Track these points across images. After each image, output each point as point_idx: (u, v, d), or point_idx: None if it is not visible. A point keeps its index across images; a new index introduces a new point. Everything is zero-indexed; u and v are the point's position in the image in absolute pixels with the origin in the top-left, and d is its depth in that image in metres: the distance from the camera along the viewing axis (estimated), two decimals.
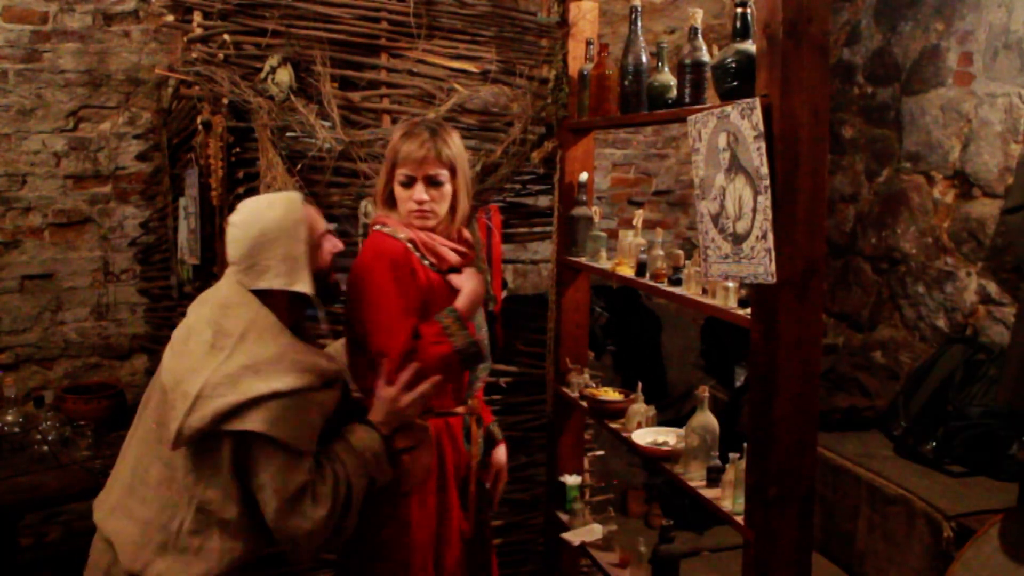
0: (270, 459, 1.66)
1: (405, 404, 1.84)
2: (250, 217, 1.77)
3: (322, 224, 1.88)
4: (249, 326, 1.72)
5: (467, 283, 2.03)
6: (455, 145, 2.02)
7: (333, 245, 1.90)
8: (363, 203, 2.65)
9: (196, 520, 1.68)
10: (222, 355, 1.68)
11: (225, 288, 1.81)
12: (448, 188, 2.01)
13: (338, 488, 1.73)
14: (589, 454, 2.95)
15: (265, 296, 1.77)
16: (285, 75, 2.50)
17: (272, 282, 1.74)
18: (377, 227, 2.04)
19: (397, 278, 1.92)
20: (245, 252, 1.75)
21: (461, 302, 1.99)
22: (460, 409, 2.09)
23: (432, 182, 1.99)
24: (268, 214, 1.76)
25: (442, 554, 2.04)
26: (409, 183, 2.00)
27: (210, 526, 1.69)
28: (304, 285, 1.74)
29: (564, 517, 2.79)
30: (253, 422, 1.64)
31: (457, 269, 2.07)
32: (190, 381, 1.65)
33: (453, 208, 2.03)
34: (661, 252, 2.33)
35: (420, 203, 1.99)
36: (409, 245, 1.98)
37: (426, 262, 2.00)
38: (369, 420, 1.84)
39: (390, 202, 2.05)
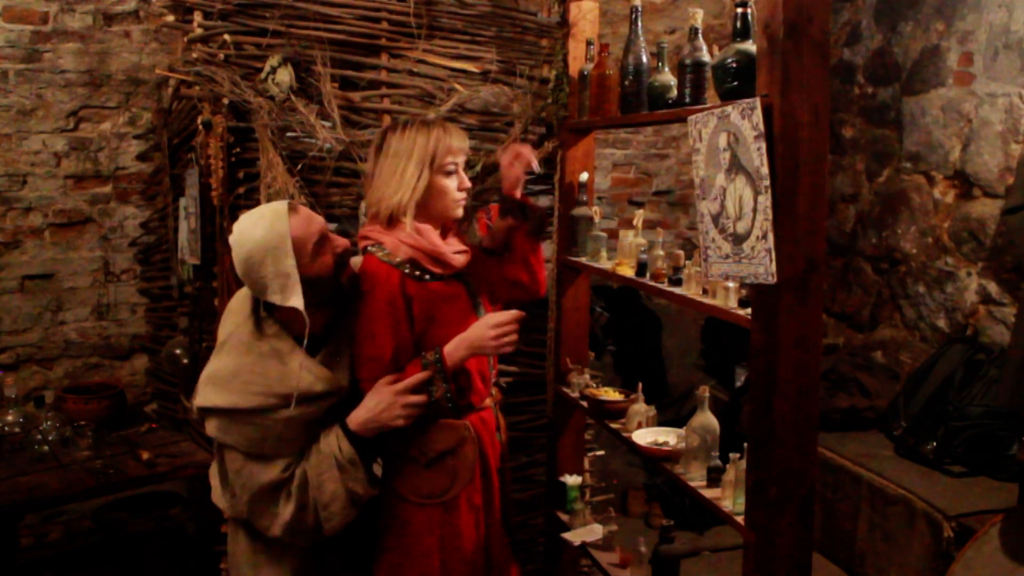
0: (233, 459, 1.83)
1: (389, 415, 1.85)
2: (239, 238, 1.80)
3: (315, 229, 1.82)
4: (228, 337, 1.86)
5: (470, 332, 1.95)
6: None
7: (335, 246, 1.88)
8: (363, 203, 2.65)
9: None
10: (212, 357, 1.88)
11: (242, 290, 1.92)
12: None
13: (304, 488, 1.82)
14: (589, 454, 2.95)
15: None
16: (285, 75, 2.50)
17: (271, 297, 1.79)
18: (371, 247, 1.96)
19: (391, 313, 1.90)
20: (242, 272, 1.82)
21: (450, 347, 1.93)
22: (488, 401, 2.11)
23: (465, 167, 2.06)
24: (254, 234, 1.78)
25: (491, 547, 2.06)
26: (454, 170, 2.00)
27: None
28: (296, 300, 1.76)
29: (564, 517, 2.79)
30: (210, 427, 1.85)
31: (462, 273, 2.05)
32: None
33: None
34: (661, 252, 2.33)
35: (467, 188, 2.03)
36: (406, 270, 1.93)
37: (427, 276, 1.96)
38: (345, 424, 1.86)
39: (420, 207, 1.97)
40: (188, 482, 2.99)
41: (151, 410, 3.57)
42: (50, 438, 2.72)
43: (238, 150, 2.52)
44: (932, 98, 3.89)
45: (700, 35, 2.11)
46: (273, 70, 2.50)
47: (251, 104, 2.46)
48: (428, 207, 2.00)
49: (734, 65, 1.84)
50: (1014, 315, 3.17)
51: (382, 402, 1.84)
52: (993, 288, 3.60)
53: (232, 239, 1.82)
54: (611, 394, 2.60)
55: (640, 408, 2.43)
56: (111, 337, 3.59)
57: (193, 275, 2.84)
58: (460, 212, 2.04)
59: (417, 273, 1.95)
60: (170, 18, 2.57)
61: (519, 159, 2.18)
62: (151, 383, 3.59)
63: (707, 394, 2.13)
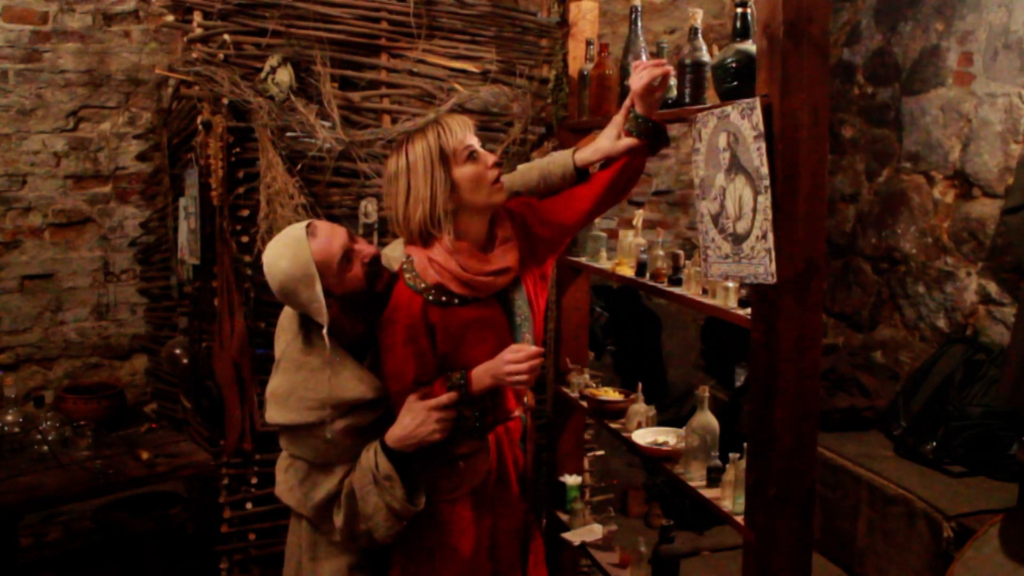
0: (299, 468, 1.92)
1: (425, 430, 1.85)
2: (269, 271, 1.84)
3: (336, 247, 1.82)
4: (282, 356, 1.93)
5: (494, 360, 1.88)
6: None
7: (363, 256, 1.86)
8: (363, 203, 2.66)
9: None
10: (272, 374, 1.95)
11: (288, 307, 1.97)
12: None
13: (352, 499, 1.88)
14: (589, 454, 2.95)
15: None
16: (285, 75, 2.50)
17: (315, 318, 1.84)
18: (405, 266, 1.89)
19: (411, 339, 1.86)
20: (282, 300, 1.88)
21: (478, 372, 1.87)
22: (518, 412, 2.06)
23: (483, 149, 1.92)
24: (280, 266, 1.81)
25: (498, 555, 2.03)
26: (474, 154, 1.85)
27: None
28: (326, 321, 1.81)
29: (564, 517, 2.79)
30: (280, 441, 1.96)
31: (501, 292, 1.94)
32: None
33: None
34: (661, 252, 2.33)
35: (496, 165, 1.87)
36: (430, 296, 1.85)
37: (456, 301, 1.87)
38: (384, 440, 1.87)
39: (461, 209, 1.85)
40: (188, 482, 2.99)
41: (151, 410, 3.57)
42: (50, 438, 2.72)
43: (238, 150, 2.52)
44: (932, 98, 3.89)
45: (700, 35, 2.10)
46: (273, 70, 2.50)
47: (251, 104, 2.47)
48: (468, 204, 1.85)
49: (734, 65, 1.84)
50: (1014, 315, 3.17)
51: (416, 417, 1.85)
52: (993, 288, 3.60)
53: (265, 271, 1.86)
54: (611, 394, 2.60)
55: (640, 408, 2.43)
56: (111, 337, 3.59)
57: (193, 275, 2.84)
58: (502, 195, 1.89)
59: (443, 299, 1.85)
60: (170, 18, 2.58)
61: (662, 79, 1.96)
62: (151, 383, 3.59)
63: (707, 394, 2.13)
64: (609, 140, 2.07)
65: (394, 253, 1.98)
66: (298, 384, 1.87)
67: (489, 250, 1.92)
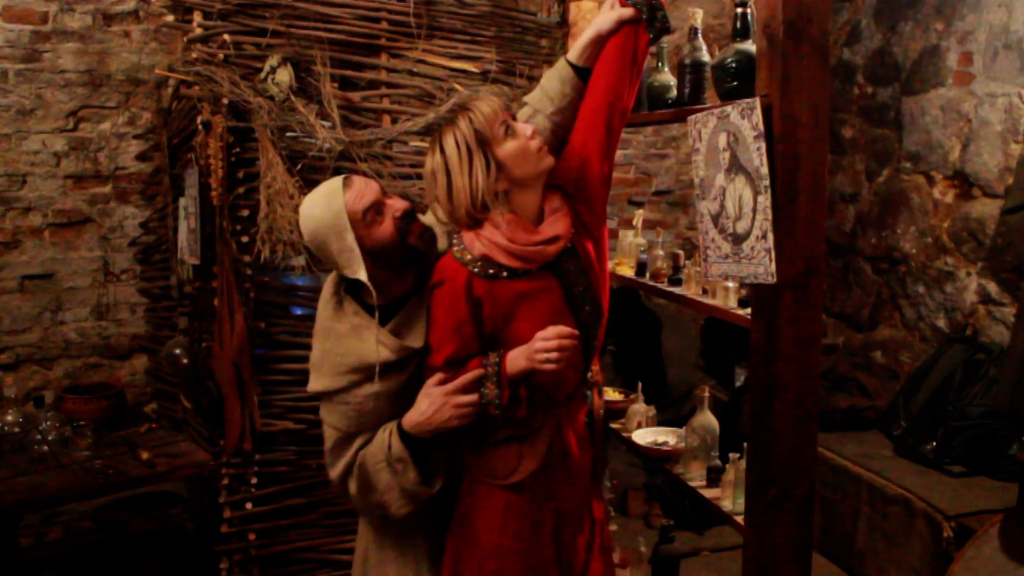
0: (328, 437, 1.90)
1: (441, 417, 1.81)
2: (303, 221, 1.84)
3: (368, 199, 1.80)
4: (317, 327, 1.92)
5: (531, 342, 1.80)
6: None
7: (395, 210, 1.83)
8: None
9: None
10: None
11: (330, 274, 1.96)
12: None
13: (364, 471, 1.85)
14: None
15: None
16: (285, 75, 2.50)
17: (345, 272, 1.82)
18: (454, 241, 1.85)
19: (453, 312, 1.81)
20: (315, 252, 1.87)
21: (514, 354, 1.81)
22: (580, 390, 1.97)
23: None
24: (313, 214, 1.81)
25: (561, 538, 1.94)
26: (510, 128, 1.79)
27: None
28: (361, 272, 1.78)
29: None
30: (321, 410, 1.92)
31: (554, 263, 1.84)
32: None
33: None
34: (661, 252, 2.33)
35: (534, 134, 1.80)
36: (475, 268, 1.80)
37: (504, 274, 1.81)
38: (400, 424, 1.83)
39: (488, 205, 1.78)
40: (188, 482, 2.99)
41: (151, 410, 3.57)
42: (50, 438, 2.72)
43: (238, 150, 2.53)
44: (932, 98, 3.89)
45: (700, 35, 2.11)
46: (273, 70, 2.50)
47: (251, 104, 2.47)
48: (519, 179, 1.80)
49: (734, 65, 1.85)
50: (1014, 315, 3.17)
51: (433, 404, 1.80)
52: (993, 288, 3.60)
53: (300, 221, 1.86)
54: (611, 394, 2.60)
55: (640, 408, 2.43)
56: (111, 337, 3.59)
57: (193, 275, 2.84)
58: (550, 159, 1.81)
59: (490, 271, 1.80)
60: (170, 18, 2.58)
61: None
62: (151, 383, 3.59)
63: (707, 394, 2.13)
64: (603, 13, 1.93)
65: (428, 220, 1.93)
66: (328, 350, 1.87)
67: (540, 223, 1.86)
